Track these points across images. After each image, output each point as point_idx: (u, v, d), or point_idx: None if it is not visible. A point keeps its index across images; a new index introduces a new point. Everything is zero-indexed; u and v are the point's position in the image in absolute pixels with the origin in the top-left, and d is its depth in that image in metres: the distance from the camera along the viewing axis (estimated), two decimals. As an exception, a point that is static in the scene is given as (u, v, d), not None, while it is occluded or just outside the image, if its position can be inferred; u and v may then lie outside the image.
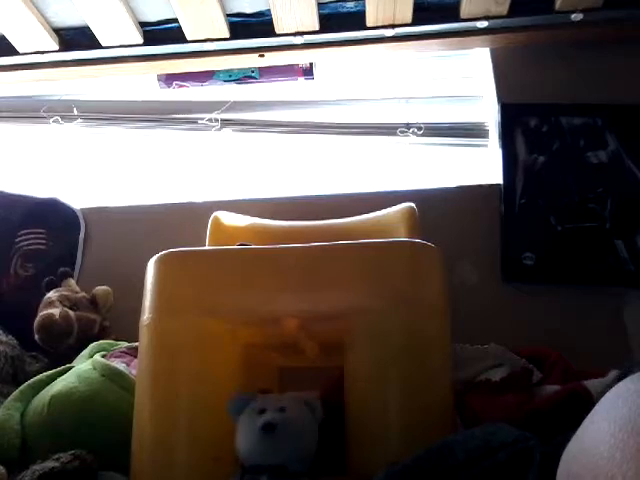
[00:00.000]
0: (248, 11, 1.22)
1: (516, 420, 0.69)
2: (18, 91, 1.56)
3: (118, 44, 1.27)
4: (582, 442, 0.33)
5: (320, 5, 1.19)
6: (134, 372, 0.87)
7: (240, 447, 0.66)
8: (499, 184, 1.21)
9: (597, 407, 0.34)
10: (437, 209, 1.18)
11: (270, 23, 1.21)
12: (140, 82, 1.50)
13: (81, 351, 1.00)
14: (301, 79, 1.41)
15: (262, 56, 1.26)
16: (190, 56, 1.28)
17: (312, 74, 1.40)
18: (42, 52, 1.30)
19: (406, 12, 1.17)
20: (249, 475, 0.64)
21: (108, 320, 1.15)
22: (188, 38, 1.25)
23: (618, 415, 0.31)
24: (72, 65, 1.31)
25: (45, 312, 1.07)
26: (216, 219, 1.10)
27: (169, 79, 1.43)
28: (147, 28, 1.26)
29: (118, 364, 0.90)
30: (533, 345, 0.95)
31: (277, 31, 1.22)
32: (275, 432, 0.64)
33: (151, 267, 0.81)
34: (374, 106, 1.49)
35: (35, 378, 0.90)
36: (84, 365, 0.90)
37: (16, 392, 0.87)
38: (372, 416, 0.72)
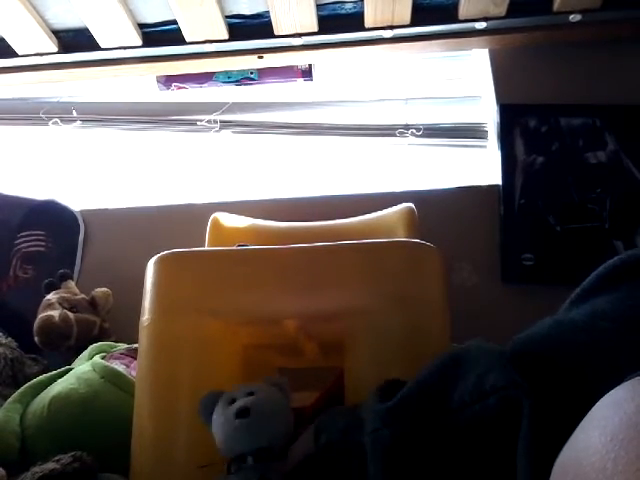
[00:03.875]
0: (247, 12, 1.23)
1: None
2: (17, 93, 1.56)
3: (117, 46, 1.27)
4: (573, 451, 0.32)
5: (319, 6, 1.19)
6: (134, 374, 0.87)
7: (219, 442, 0.65)
8: (498, 185, 1.21)
9: (589, 416, 0.33)
10: (436, 210, 1.19)
11: (269, 24, 1.21)
12: (139, 84, 1.51)
13: (81, 353, 1.00)
14: (300, 80, 1.41)
15: (261, 57, 1.27)
16: (189, 58, 1.28)
17: (311, 75, 1.40)
18: (41, 54, 1.30)
19: (404, 13, 1.17)
20: (235, 463, 0.63)
21: (108, 322, 1.15)
22: (187, 40, 1.25)
23: (609, 424, 0.30)
24: (71, 67, 1.31)
25: (45, 314, 1.07)
26: (215, 220, 1.10)
27: (168, 81, 1.43)
28: (146, 30, 1.27)
29: (118, 366, 0.90)
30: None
31: (276, 32, 1.23)
32: (250, 416, 0.62)
33: (150, 268, 0.81)
34: (373, 107, 1.49)
35: (35, 380, 0.90)
36: (84, 367, 0.90)
37: (16, 394, 0.87)
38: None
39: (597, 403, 0.33)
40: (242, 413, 0.63)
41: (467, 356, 0.49)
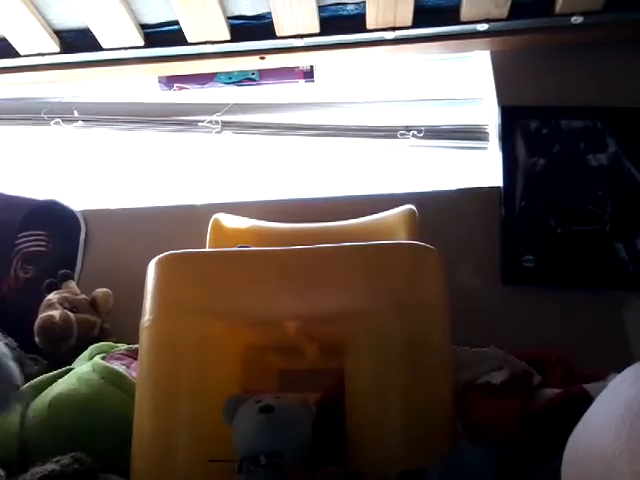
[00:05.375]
0: (249, 13, 1.23)
1: (517, 426, 0.68)
2: (19, 93, 1.56)
3: (119, 46, 1.27)
4: (589, 425, 0.34)
5: (320, 8, 1.19)
6: (134, 374, 0.87)
7: (238, 437, 0.67)
8: (499, 187, 1.21)
9: (603, 393, 0.34)
10: (437, 211, 1.18)
11: (271, 25, 1.22)
12: (141, 84, 1.51)
13: (81, 353, 1.00)
14: (301, 81, 1.42)
15: (263, 58, 1.27)
16: (191, 58, 1.28)
17: (312, 76, 1.41)
18: (43, 54, 1.30)
19: (406, 15, 1.17)
20: (247, 464, 0.64)
21: (108, 322, 1.15)
22: (189, 40, 1.25)
23: (624, 397, 0.31)
24: (73, 67, 1.32)
25: (45, 314, 1.07)
26: (216, 221, 1.10)
27: (170, 81, 1.43)
28: (148, 30, 1.27)
29: (118, 366, 0.90)
30: (533, 347, 0.95)
31: (278, 33, 1.23)
32: (273, 413, 0.66)
33: (151, 269, 0.81)
34: (374, 108, 1.49)
35: (35, 380, 0.90)
36: (84, 367, 0.90)
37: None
38: (373, 418, 0.72)
39: (610, 382, 0.34)
40: (266, 408, 0.66)
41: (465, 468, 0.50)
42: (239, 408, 0.69)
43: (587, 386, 0.73)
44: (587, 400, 0.70)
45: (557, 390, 0.79)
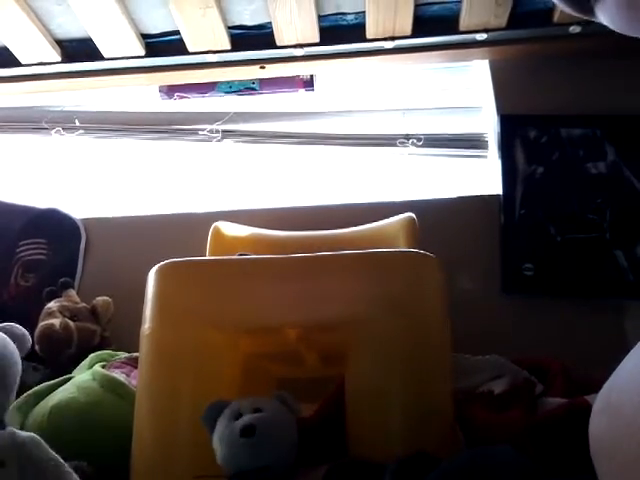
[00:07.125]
0: (249, 23, 1.24)
1: (522, 437, 0.68)
2: (20, 102, 1.57)
3: (120, 56, 1.28)
4: (621, 373, 0.35)
5: (320, 17, 1.20)
6: (134, 382, 0.86)
7: (220, 455, 0.65)
8: (499, 195, 1.21)
9: (636, 346, 0.36)
10: (437, 220, 1.19)
11: (271, 35, 1.22)
12: (142, 93, 1.51)
13: (81, 361, 0.99)
14: (301, 91, 1.42)
15: (263, 68, 1.27)
16: (191, 68, 1.29)
17: (312, 86, 1.41)
18: (44, 63, 1.31)
19: (406, 24, 1.18)
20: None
21: (108, 330, 1.15)
22: (189, 50, 1.26)
23: None
24: (74, 76, 1.32)
25: (45, 322, 1.07)
26: (216, 229, 1.10)
27: (170, 90, 1.44)
28: (149, 40, 1.27)
29: (118, 375, 0.90)
30: (533, 356, 0.95)
31: (278, 43, 1.24)
32: (255, 435, 0.62)
33: (152, 277, 0.81)
34: (374, 117, 1.50)
35: (35, 388, 0.90)
36: (84, 376, 0.90)
37: (16, 402, 0.87)
38: (373, 426, 0.71)
39: None
40: (247, 432, 0.62)
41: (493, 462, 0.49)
42: (219, 419, 0.66)
43: (590, 398, 0.73)
44: (590, 412, 0.70)
45: (559, 399, 0.79)
